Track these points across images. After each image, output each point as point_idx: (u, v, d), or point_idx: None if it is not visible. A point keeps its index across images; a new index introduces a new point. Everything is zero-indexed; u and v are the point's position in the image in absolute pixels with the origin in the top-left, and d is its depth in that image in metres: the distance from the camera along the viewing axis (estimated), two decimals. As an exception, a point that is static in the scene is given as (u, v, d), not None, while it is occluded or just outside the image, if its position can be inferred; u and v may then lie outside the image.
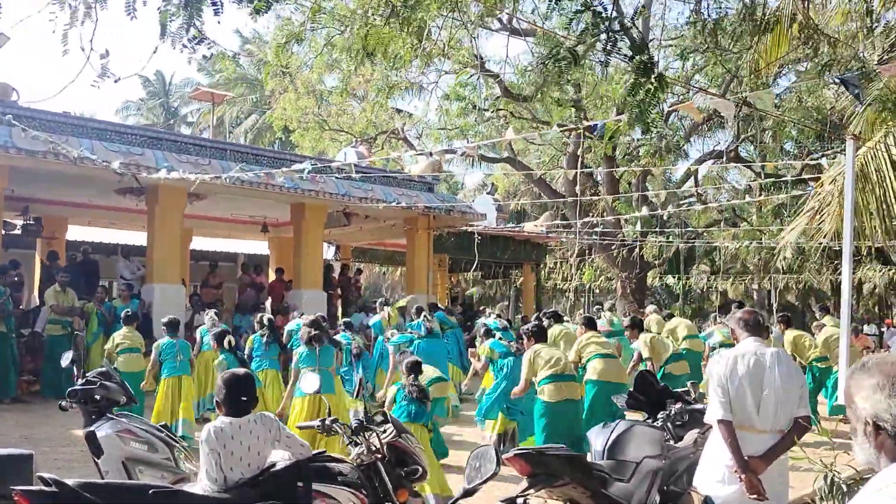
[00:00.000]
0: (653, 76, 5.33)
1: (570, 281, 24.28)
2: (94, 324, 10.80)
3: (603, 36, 5.36)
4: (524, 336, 7.13)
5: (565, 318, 12.16)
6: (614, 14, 5.98)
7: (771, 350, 3.96)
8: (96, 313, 10.90)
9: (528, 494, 4.23)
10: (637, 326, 9.19)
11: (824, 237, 7.33)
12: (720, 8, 11.45)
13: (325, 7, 12.95)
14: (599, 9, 5.31)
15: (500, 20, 15.66)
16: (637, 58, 5.45)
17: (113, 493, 3.31)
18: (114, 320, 10.95)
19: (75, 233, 16.02)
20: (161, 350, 8.05)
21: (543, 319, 9.17)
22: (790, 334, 10.25)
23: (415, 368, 6.28)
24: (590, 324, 8.07)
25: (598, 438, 4.83)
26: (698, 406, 5.19)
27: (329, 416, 4.30)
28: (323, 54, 16.25)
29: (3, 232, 11.74)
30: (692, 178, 21.35)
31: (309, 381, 5.78)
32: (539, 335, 6.92)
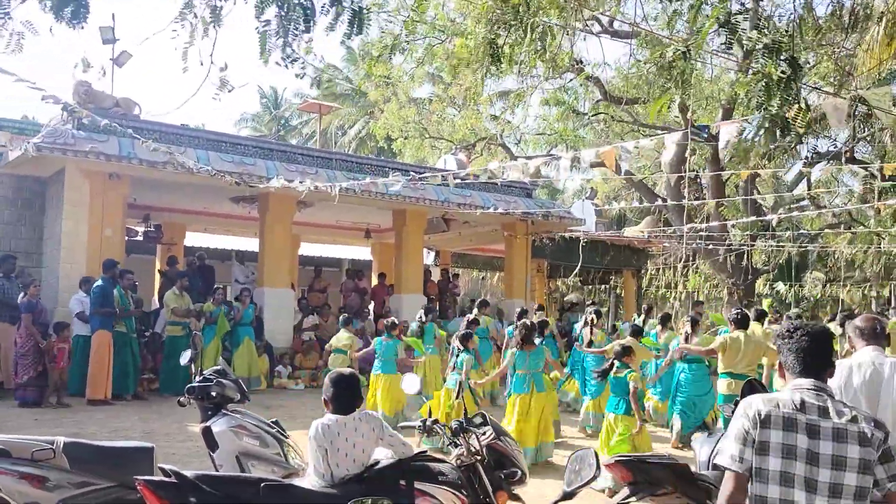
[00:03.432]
0: (781, 58, 4.65)
1: (675, 288, 23.52)
2: (224, 324, 11.19)
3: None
4: (730, 322, 7.61)
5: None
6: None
7: (891, 360, 3.73)
8: (224, 314, 11.25)
9: (628, 502, 4.16)
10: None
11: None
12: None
13: (425, 17, 13.14)
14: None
15: (599, 22, 15.42)
16: (761, 38, 4.87)
17: (228, 485, 3.50)
18: (237, 321, 11.40)
19: (192, 239, 16.94)
20: (376, 347, 9.07)
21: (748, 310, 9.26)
22: None
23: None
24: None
25: (703, 448, 4.68)
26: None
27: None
28: (422, 65, 16.52)
29: (126, 238, 12.59)
30: (804, 179, 20.27)
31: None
32: (742, 323, 7.31)
